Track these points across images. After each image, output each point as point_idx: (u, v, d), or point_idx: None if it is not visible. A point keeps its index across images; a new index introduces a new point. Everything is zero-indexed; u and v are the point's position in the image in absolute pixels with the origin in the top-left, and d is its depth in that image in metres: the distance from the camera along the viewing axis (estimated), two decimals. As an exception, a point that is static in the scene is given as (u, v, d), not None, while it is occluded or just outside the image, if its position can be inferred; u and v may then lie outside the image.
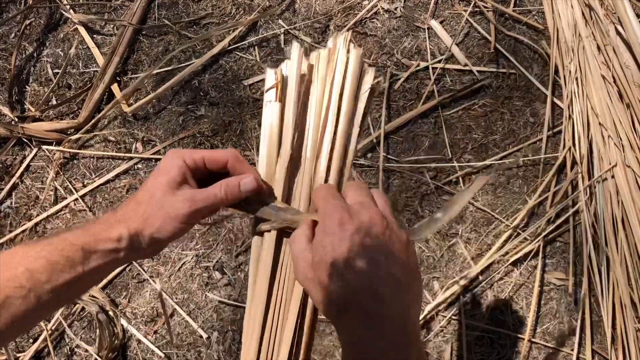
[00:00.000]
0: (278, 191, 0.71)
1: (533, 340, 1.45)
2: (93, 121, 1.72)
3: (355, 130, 0.74)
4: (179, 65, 1.76)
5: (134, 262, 1.59)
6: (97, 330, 1.51)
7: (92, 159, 1.72)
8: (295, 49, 0.75)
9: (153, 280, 1.58)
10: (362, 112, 0.74)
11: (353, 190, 0.63)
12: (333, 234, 0.56)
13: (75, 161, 1.72)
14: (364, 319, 0.53)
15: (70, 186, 1.69)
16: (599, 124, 1.54)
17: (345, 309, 0.54)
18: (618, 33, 1.60)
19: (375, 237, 0.56)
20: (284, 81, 0.74)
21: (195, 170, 0.67)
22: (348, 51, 0.75)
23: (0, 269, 0.57)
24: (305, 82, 0.75)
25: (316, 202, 0.63)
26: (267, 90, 0.73)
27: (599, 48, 1.59)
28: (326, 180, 0.71)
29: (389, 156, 1.62)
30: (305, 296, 0.66)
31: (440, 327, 1.47)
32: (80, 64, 1.82)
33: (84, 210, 1.66)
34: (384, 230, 0.57)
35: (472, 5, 1.74)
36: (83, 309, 1.57)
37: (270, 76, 0.74)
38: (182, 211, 0.63)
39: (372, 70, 0.76)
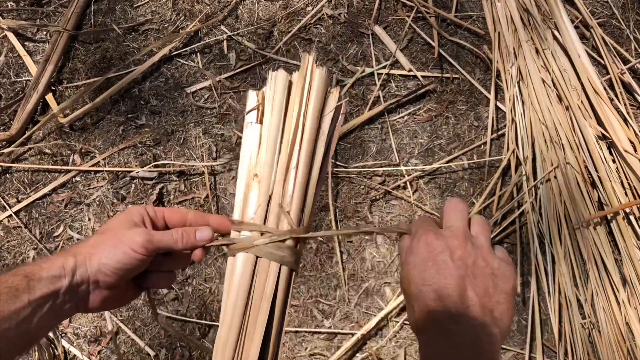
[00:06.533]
0: (253, 210, 0.70)
1: (484, 341, 1.47)
2: (27, 134, 1.64)
3: (320, 151, 0.73)
4: (118, 73, 1.70)
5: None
6: (36, 354, 1.42)
7: (26, 173, 1.63)
8: (280, 77, 0.73)
9: (95, 298, 1.51)
10: (328, 133, 0.73)
11: (453, 212, 0.63)
12: (417, 253, 0.59)
13: (8, 175, 1.63)
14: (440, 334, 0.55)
15: (3, 202, 1.59)
16: (541, 126, 1.57)
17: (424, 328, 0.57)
18: (555, 38, 1.65)
19: (459, 259, 0.57)
20: (265, 103, 0.73)
21: (154, 220, 0.68)
22: (312, 72, 0.74)
23: None
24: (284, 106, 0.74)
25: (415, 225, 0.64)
26: (248, 112, 0.73)
27: (537, 52, 1.64)
28: (291, 203, 0.69)
29: (337, 162, 1.61)
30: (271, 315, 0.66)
31: (394, 332, 1.46)
32: (11, 73, 1.72)
33: (19, 227, 1.57)
34: (468, 254, 0.58)
35: (414, 10, 1.75)
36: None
37: (252, 98, 0.73)
38: (136, 238, 0.63)
39: (336, 91, 0.75)
